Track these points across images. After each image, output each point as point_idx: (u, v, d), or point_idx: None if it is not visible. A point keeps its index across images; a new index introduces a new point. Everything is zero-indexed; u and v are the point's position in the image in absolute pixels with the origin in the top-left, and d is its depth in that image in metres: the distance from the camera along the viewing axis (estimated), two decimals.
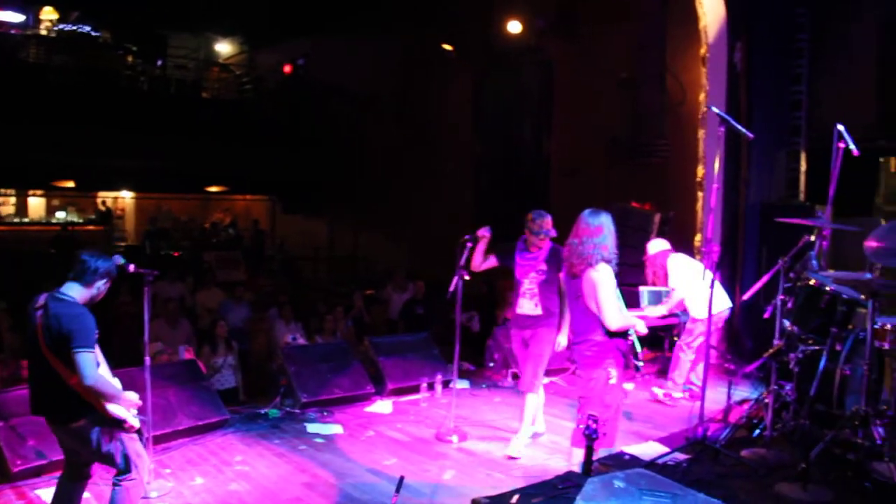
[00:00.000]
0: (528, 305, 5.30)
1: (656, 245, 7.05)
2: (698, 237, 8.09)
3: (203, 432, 5.74)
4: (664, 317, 6.89)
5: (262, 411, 6.28)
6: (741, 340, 7.67)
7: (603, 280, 4.09)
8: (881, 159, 8.46)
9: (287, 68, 19.51)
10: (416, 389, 6.86)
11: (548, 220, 5.26)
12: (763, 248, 7.53)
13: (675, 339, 7.08)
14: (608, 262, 4.15)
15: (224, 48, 22.73)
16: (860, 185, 8.20)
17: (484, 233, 5.38)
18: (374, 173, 16.03)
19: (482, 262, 5.44)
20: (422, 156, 14.42)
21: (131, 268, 4.29)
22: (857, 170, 7.30)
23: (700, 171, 8.23)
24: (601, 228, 4.17)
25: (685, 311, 6.84)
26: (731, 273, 7.88)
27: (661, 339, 7.19)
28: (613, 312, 4.10)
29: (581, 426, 3.90)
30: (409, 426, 6.07)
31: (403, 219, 15.04)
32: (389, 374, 6.87)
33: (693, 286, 6.62)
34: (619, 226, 8.45)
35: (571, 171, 11.04)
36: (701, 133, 8.36)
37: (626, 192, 9.25)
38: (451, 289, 5.49)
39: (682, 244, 7.94)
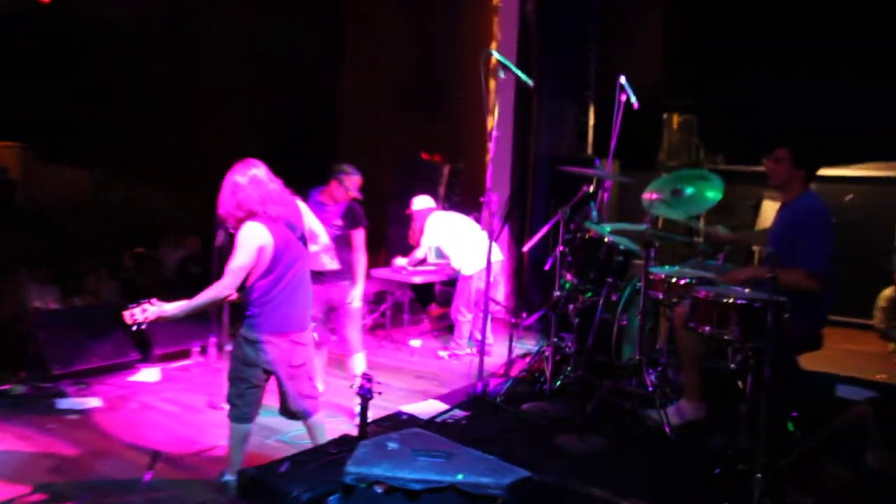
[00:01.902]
0: (325, 259, 5.11)
1: (420, 202, 7.14)
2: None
3: None
4: (440, 269, 7.11)
5: (5, 387, 5.69)
6: (529, 293, 7.92)
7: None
8: (664, 116, 8.97)
9: None
10: (186, 354, 6.52)
11: (359, 180, 5.24)
12: (552, 200, 7.77)
13: None
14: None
15: None
16: (645, 141, 8.68)
17: None
18: (149, 117, 14.96)
19: None
20: (203, 99, 13.64)
21: None
22: (643, 126, 7.68)
23: (491, 122, 8.34)
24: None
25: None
26: (519, 225, 8.10)
27: (450, 294, 7.31)
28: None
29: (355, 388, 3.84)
30: (179, 395, 5.75)
31: (183, 168, 14.18)
32: (156, 338, 6.45)
33: (456, 244, 6.77)
34: (407, 177, 8.55)
35: (361, 120, 10.87)
36: (493, 83, 8.46)
37: (419, 142, 9.23)
38: (218, 242, 5.22)
39: (472, 196, 8.04)
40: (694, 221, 5.27)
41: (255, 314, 3.88)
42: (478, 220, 7.24)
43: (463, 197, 8.64)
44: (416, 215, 7.07)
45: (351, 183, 5.18)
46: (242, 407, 3.96)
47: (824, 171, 7.33)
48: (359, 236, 5.27)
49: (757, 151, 7.10)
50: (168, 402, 5.58)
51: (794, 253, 4.09)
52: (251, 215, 3.82)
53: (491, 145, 5.16)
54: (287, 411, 4.11)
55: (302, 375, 4.05)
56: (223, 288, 3.77)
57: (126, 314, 3.73)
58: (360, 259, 5.28)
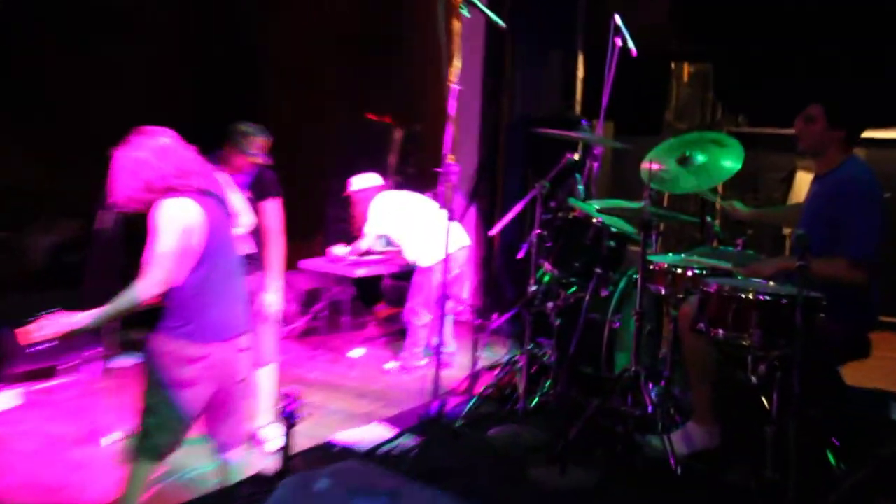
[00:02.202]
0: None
1: (362, 181, 7.12)
2: (453, 158, 8.16)
3: None
4: (390, 259, 7.14)
5: None
6: (501, 289, 7.95)
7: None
8: (672, 65, 8.98)
9: None
10: (53, 372, 6.40)
11: (263, 141, 5.17)
12: (529, 171, 7.74)
13: None
14: None
15: None
16: (647, 97, 8.69)
17: None
18: (18, 67, 14.72)
19: None
20: (91, 45, 13.42)
21: None
22: (645, 78, 7.67)
23: (452, 74, 8.26)
24: None
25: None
26: (489, 203, 8.07)
27: (403, 290, 7.26)
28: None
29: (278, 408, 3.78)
30: (44, 425, 5.61)
31: (66, 133, 13.97)
32: (14, 350, 6.31)
33: (410, 231, 6.82)
34: (350, 144, 8.47)
35: (292, 74, 10.76)
36: (456, 26, 8.39)
37: (365, 100, 9.15)
38: (100, 225, 5.15)
39: (432, 166, 8.01)
40: (714, 195, 5.26)
41: (187, 319, 3.71)
42: (437, 197, 7.21)
43: (420, 168, 8.59)
44: (358, 198, 7.03)
45: (252, 146, 5.08)
46: (159, 443, 3.77)
47: (874, 133, 7.37)
48: (271, 210, 5.17)
49: (789, 110, 7.17)
50: (28, 436, 5.43)
51: (834, 236, 4.10)
52: (168, 192, 3.69)
53: (451, 103, 5.10)
54: (221, 440, 3.99)
55: (244, 393, 3.98)
56: (150, 284, 3.58)
57: (20, 332, 3.59)
58: (275, 241, 5.15)
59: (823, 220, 4.20)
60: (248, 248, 5.04)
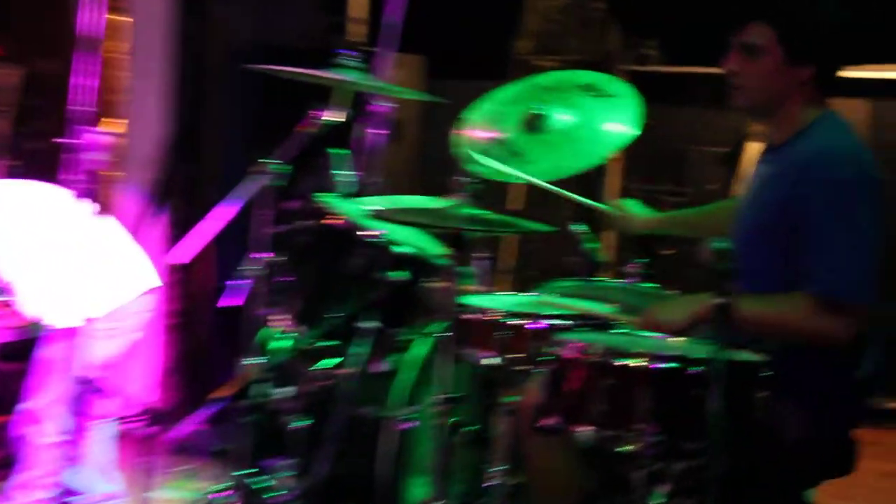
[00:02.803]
0: None
1: None
2: (116, 123, 8.03)
3: None
4: None
5: None
6: (206, 368, 7.90)
7: None
8: None
9: None
10: None
11: None
12: (254, 148, 7.73)
13: None
14: None
15: None
16: (486, 16, 8.80)
17: None
18: None
19: None
20: None
21: None
22: None
23: None
24: None
25: None
26: (184, 204, 7.99)
27: (14, 379, 7.08)
28: None
29: None
30: None
31: None
32: None
33: (31, 259, 6.66)
34: None
35: None
36: None
37: None
38: None
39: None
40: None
41: None
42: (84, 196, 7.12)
43: (55, 139, 8.46)
44: None
45: None
46: None
47: (864, 71, 7.65)
48: None
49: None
50: None
51: (791, 256, 4.10)
52: None
53: (96, 16, 5.01)
54: None
55: None
56: None
57: None
58: None
59: (773, 226, 4.21)
60: None
